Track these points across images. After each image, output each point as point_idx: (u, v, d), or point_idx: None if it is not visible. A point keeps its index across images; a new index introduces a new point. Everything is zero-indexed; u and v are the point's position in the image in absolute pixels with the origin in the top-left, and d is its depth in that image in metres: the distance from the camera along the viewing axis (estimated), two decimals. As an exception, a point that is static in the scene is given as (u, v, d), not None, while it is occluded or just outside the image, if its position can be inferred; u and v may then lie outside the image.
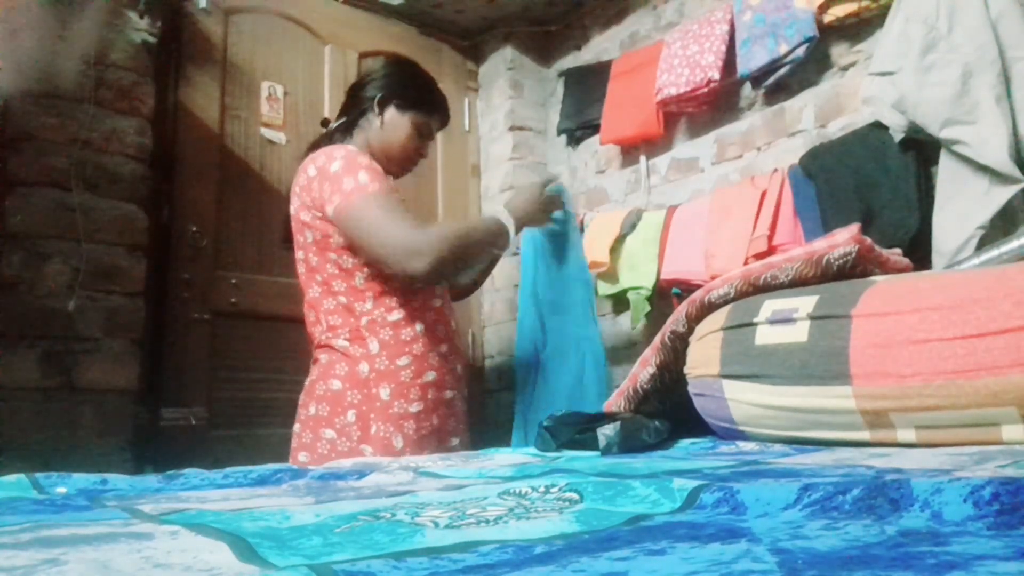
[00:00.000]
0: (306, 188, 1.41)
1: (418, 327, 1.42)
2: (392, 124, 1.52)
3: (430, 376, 1.41)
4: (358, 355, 1.38)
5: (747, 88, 2.07)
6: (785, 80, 1.95)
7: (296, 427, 1.42)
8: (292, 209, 1.46)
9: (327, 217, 1.37)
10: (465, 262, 1.48)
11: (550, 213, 1.63)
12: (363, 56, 2.56)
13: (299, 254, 1.46)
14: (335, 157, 1.39)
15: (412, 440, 1.36)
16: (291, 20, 2.42)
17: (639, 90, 2.25)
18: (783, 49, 1.86)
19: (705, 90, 2.05)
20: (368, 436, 1.34)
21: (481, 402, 2.63)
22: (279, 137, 2.33)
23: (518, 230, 1.50)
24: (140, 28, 1.91)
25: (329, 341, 1.41)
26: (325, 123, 1.65)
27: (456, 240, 1.36)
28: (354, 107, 1.54)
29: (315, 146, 1.53)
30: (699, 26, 2.11)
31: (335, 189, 1.35)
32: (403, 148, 1.53)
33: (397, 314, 1.40)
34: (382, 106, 1.51)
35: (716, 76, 2.01)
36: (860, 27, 1.82)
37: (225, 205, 2.19)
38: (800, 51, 1.84)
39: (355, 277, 1.40)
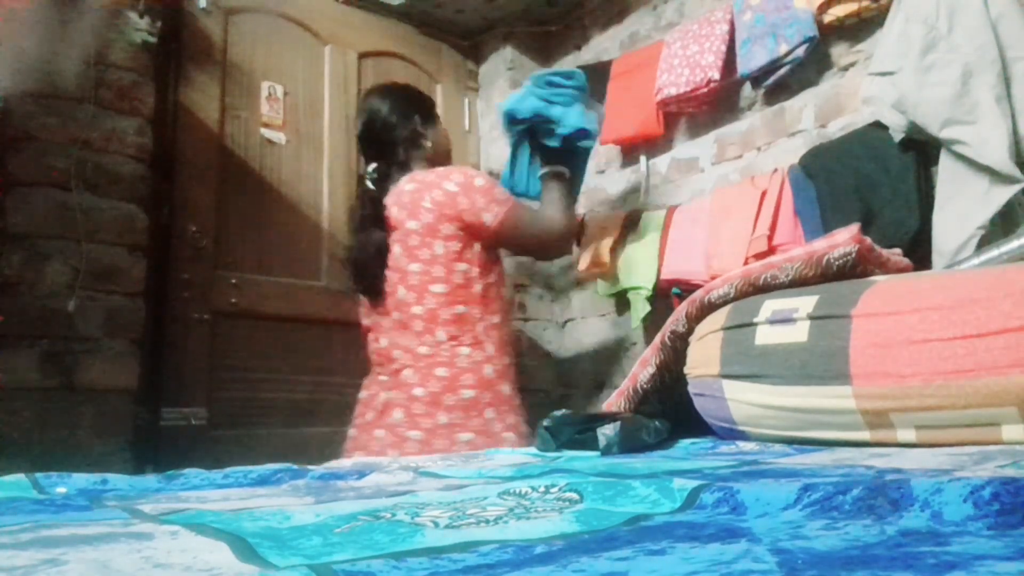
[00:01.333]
0: (447, 203, 1.59)
1: (506, 328, 1.68)
2: (438, 136, 1.80)
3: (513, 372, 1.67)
4: (481, 359, 1.58)
5: (747, 88, 2.07)
6: (785, 80, 1.94)
7: (417, 434, 1.54)
8: (415, 225, 1.60)
9: (476, 226, 1.60)
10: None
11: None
12: (363, 56, 2.56)
13: (414, 266, 1.60)
14: (473, 175, 1.66)
15: (524, 425, 1.61)
16: (291, 20, 2.42)
17: (639, 90, 2.25)
18: (783, 49, 1.86)
19: (705, 90, 2.04)
20: (507, 427, 1.57)
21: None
22: (279, 137, 2.33)
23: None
24: (140, 28, 1.91)
25: (453, 350, 1.57)
26: (361, 179, 1.90)
27: (570, 210, 1.80)
28: (394, 147, 1.74)
29: (368, 194, 1.72)
30: (699, 26, 2.11)
31: (490, 200, 1.61)
32: (449, 147, 1.86)
33: (498, 317, 1.65)
34: (426, 131, 1.77)
35: (716, 76, 2.01)
36: (860, 27, 1.82)
37: (225, 205, 2.19)
38: (800, 51, 1.84)
39: (476, 286, 1.61)
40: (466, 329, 1.58)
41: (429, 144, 1.77)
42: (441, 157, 1.79)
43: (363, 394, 1.70)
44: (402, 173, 1.71)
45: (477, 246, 1.62)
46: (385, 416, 1.59)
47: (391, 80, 2.00)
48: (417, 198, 1.62)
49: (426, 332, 1.58)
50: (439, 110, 1.92)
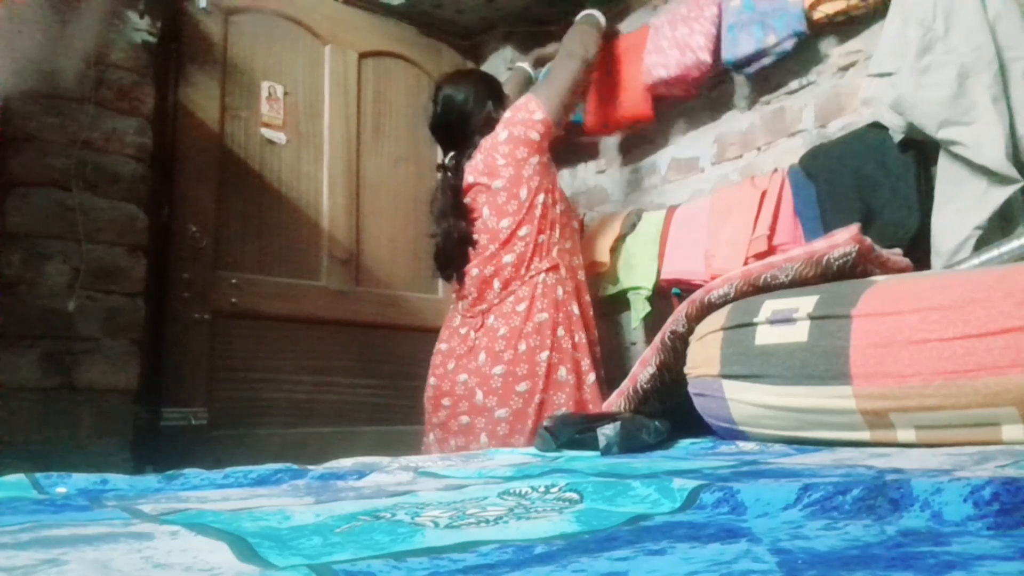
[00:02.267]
0: (513, 140, 1.80)
1: (577, 260, 1.89)
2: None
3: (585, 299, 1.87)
4: (553, 283, 1.75)
5: (746, 87, 2.07)
6: (785, 80, 1.94)
7: (499, 368, 1.67)
8: (500, 183, 1.78)
9: (536, 128, 1.80)
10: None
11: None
12: (363, 56, 2.56)
13: (505, 222, 1.77)
14: (504, 116, 1.86)
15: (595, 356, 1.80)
16: (291, 20, 2.42)
17: (626, 74, 2.20)
18: (771, 40, 1.83)
19: (696, 75, 2.00)
20: (575, 345, 1.73)
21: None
22: (279, 137, 2.33)
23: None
24: (140, 28, 1.91)
25: (534, 278, 1.74)
26: (441, 167, 1.99)
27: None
28: (471, 134, 1.86)
29: (448, 185, 1.87)
30: (687, 9, 2.06)
31: (520, 108, 1.85)
32: None
33: (569, 242, 1.85)
34: (499, 112, 1.88)
35: (707, 59, 1.95)
36: (860, 27, 1.82)
37: (225, 205, 2.19)
38: (788, 44, 1.81)
39: (549, 212, 1.79)
40: (544, 255, 1.77)
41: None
42: None
43: (443, 347, 1.86)
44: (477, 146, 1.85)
45: (540, 159, 1.80)
46: (471, 359, 1.74)
47: (459, 68, 2.31)
48: (489, 157, 1.80)
49: (521, 263, 1.76)
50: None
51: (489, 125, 1.85)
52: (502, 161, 1.79)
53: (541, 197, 1.78)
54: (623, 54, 2.25)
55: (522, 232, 1.77)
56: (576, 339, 1.75)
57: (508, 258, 1.77)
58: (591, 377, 1.74)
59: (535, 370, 1.66)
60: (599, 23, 2.04)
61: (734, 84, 2.08)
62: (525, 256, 1.77)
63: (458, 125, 1.88)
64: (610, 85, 2.26)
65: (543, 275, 1.75)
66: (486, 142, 1.82)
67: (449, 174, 1.89)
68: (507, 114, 1.85)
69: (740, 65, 1.93)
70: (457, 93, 1.89)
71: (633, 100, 2.18)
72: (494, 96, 1.91)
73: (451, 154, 1.88)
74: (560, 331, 1.72)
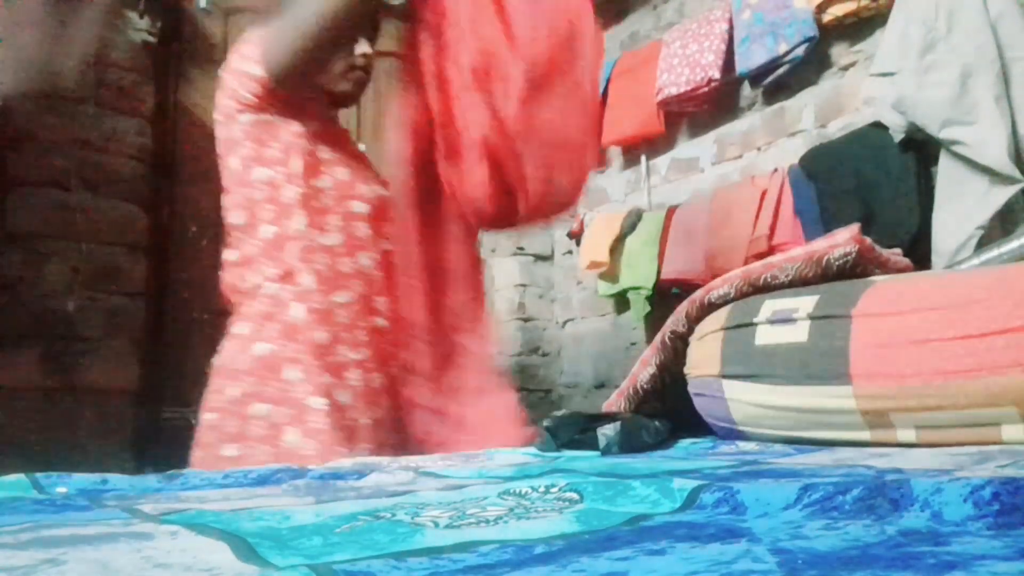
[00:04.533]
0: (223, 87, 1.18)
1: (363, 260, 1.23)
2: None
3: (379, 321, 1.25)
4: (287, 297, 1.18)
5: (747, 88, 2.07)
6: (785, 80, 1.94)
7: (210, 416, 1.21)
8: (217, 143, 1.23)
9: (264, 106, 1.15)
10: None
11: None
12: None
13: (224, 205, 1.24)
14: (240, 47, 1.20)
15: (359, 392, 1.19)
16: (291, 20, 2.42)
17: (639, 90, 2.25)
18: (782, 48, 1.86)
19: (706, 89, 2.05)
20: (318, 387, 1.14)
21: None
22: (279, 137, 2.33)
23: None
24: (140, 28, 1.91)
25: (253, 293, 1.21)
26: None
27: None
28: None
29: None
30: (698, 25, 2.11)
31: (243, 55, 1.17)
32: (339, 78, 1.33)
33: (335, 238, 1.21)
34: None
35: (716, 75, 2.01)
36: (860, 27, 1.82)
37: (225, 205, 2.19)
38: (800, 51, 1.84)
39: (282, 190, 1.19)
40: (273, 255, 1.15)
41: None
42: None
43: None
44: None
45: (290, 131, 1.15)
46: None
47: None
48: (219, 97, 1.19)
49: (240, 284, 1.21)
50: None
51: None
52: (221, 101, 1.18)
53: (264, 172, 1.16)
54: (634, 71, 2.28)
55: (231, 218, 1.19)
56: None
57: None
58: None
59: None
60: None
61: (735, 85, 2.09)
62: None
63: None
64: (624, 102, 2.29)
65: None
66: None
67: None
68: (243, 48, 1.16)
69: (755, 76, 1.96)
70: None
71: (646, 117, 2.23)
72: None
73: None
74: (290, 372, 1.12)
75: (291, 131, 1.17)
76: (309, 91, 1.22)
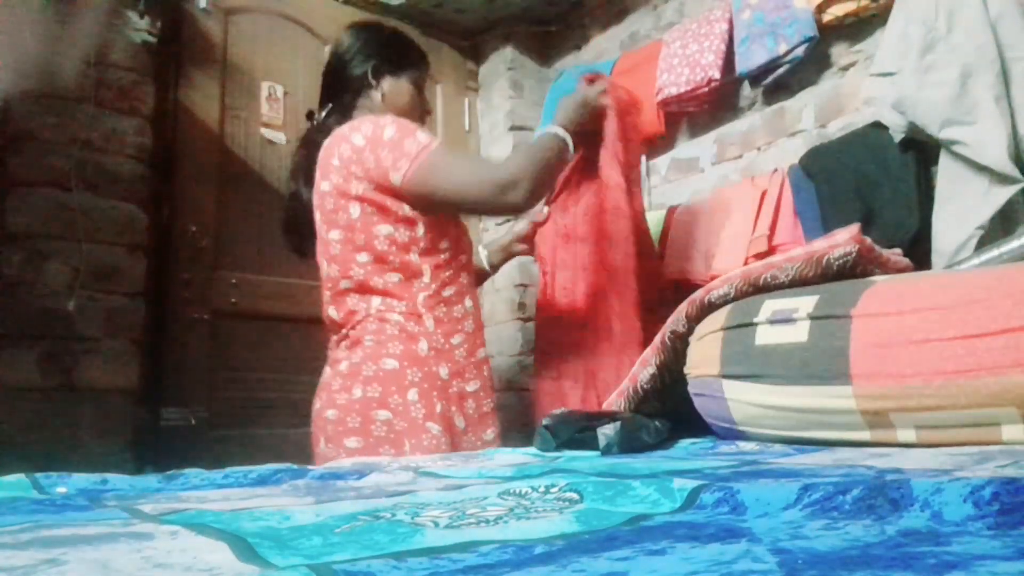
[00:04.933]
0: (354, 160, 1.34)
1: (468, 304, 1.42)
2: (394, 92, 1.50)
3: (481, 354, 1.43)
4: (417, 332, 1.34)
5: (747, 88, 2.07)
6: (785, 80, 1.95)
7: (332, 413, 1.34)
8: (327, 186, 1.38)
9: (387, 186, 1.32)
10: (551, 179, 1.49)
11: (600, 104, 1.59)
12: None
13: (334, 234, 1.38)
14: (384, 124, 1.35)
15: (473, 420, 1.37)
16: (291, 20, 2.42)
17: (639, 90, 2.24)
18: (782, 48, 1.86)
19: (706, 89, 2.04)
20: (433, 414, 1.30)
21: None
22: (279, 137, 2.33)
23: (574, 135, 1.48)
24: (140, 28, 1.91)
25: (382, 315, 1.35)
26: (311, 115, 1.58)
27: (538, 162, 1.37)
28: (342, 91, 1.50)
29: (307, 140, 1.52)
30: (698, 25, 2.11)
31: (399, 155, 1.31)
32: (412, 109, 1.51)
33: (451, 290, 1.39)
34: (378, 79, 1.48)
35: (716, 75, 2.01)
36: (860, 27, 1.82)
37: (225, 205, 2.19)
38: (800, 51, 1.84)
39: (411, 251, 1.36)
40: (402, 298, 1.34)
41: (379, 98, 1.48)
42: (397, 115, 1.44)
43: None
44: (328, 132, 1.45)
45: (406, 207, 1.35)
46: (317, 399, 1.42)
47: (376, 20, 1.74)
48: (328, 155, 1.39)
49: (358, 304, 1.37)
50: (438, 107, 1.78)
51: (363, 88, 1.48)
52: (336, 163, 1.39)
53: (387, 229, 1.36)
54: (634, 71, 2.28)
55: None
56: None
57: None
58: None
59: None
60: (559, 145, 1.44)
61: (735, 85, 2.09)
62: None
63: (336, 76, 1.52)
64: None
65: None
66: (342, 130, 1.41)
67: (313, 124, 1.53)
68: (387, 131, 1.34)
69: (755, 76, 1.97)
70: (347, 39, 1.53)
71: (646, 117, 2.23)
72: (384, 56, 1.49)
73: (328, 106, 1.51)
74: (412, 394, 1.35)
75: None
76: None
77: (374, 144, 1.33)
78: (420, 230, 1.36)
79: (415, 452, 1.27)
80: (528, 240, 1.78)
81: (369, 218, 1.35)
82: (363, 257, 1.36)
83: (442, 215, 1.39)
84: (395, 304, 1.35)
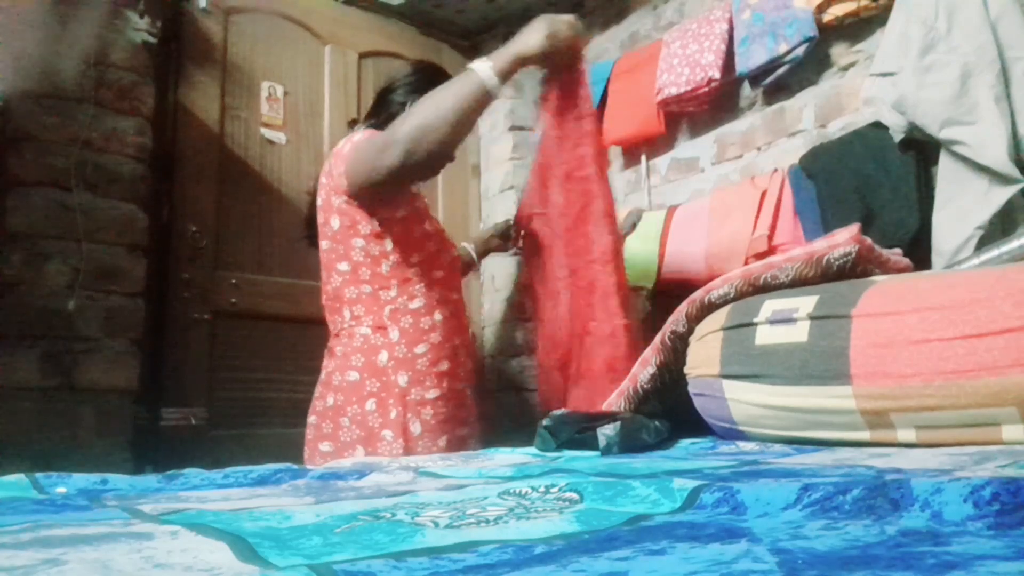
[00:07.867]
0: (328, 173, 1.44)
1: (437, 316, 1.46)
2: None
3: (444, 365, 1.45)
4: (379, 344, 1.40)
5: (747, 88, 2.07)
6: (785, 80, 1.94)
7: (312, 419, 1.45)
8: (319, 200, 1.48)
9: (349, 195, 1.39)
10: (445, 132, 1.29)
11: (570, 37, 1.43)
12: (363, 56, 2.56)
13: (324, 244, 1.47)
14: (351, 139, 1.44)
15: (430, 426, 1.40)
16: (291, 20, 2.42)
17: (639, 90, 2.25)
18: (782, 48, 1.86)
19: (706, 89, 2.05)
20: (388, 421, 1.37)
21: (481, 402, 2.62)
22: (279, 137, 2.33)
23: (514, 66, 1.34)
24: (140, 28, 1.91)
25: (351, 330, 1.43)
26: (352, 123, 1.68)
27: (421, 115, 1.29)
28: (383, 110, 1.56)
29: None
30: (698, 25, 2.11)
31: (340, 160, 1.40)
32: None
33: (418, 302, 1.44)
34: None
35: (716, 75, 2.01)
36: (860, 27, 1.82)
37: (225, 205, 2.19)
38: (800, 51, 1.84)
39: (382, 264, 1.42)
40: (371, 309, 1.41)
41: None
42: None
43: None
44: None
45: (375, 221, 1.40)
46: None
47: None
48: (325, 169, 1.48)
49: (337, 311, 1.46)
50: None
51: (391, 112, 1.49)
52: (324, 180, 1.47)
53: (359, 242, 1.42)
54: (636, 70, 2.28)
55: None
56: None
57: None
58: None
59: None
60: (465, 90, 1.31)
61: (735, 85, 2.09)
62: None
63: (381, 96, 1.58)
64: (624, 102, 2.29)
65: None
66: (351, 137, 1.45)
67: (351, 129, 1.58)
68: (346, 147, 1.41)
69: (755, 76, 1.97)
70: (402, 70, 1.60)
71: (646, 117, 2.23)
72: (426, 91, 1.41)
73: (371, 121, 1.54)
74: (370, 404, 1.42)
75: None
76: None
77: (337, 157, 1.43)
78: (388, 244, 1.42)
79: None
80: (506, 237, 1.80)
81: (346, 231, 1.42)
82: (343, 266, 1.44)
83: (411, 228, 1.44)
84: (364, 318, 1.42)
